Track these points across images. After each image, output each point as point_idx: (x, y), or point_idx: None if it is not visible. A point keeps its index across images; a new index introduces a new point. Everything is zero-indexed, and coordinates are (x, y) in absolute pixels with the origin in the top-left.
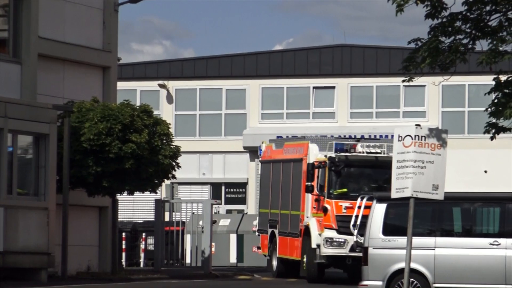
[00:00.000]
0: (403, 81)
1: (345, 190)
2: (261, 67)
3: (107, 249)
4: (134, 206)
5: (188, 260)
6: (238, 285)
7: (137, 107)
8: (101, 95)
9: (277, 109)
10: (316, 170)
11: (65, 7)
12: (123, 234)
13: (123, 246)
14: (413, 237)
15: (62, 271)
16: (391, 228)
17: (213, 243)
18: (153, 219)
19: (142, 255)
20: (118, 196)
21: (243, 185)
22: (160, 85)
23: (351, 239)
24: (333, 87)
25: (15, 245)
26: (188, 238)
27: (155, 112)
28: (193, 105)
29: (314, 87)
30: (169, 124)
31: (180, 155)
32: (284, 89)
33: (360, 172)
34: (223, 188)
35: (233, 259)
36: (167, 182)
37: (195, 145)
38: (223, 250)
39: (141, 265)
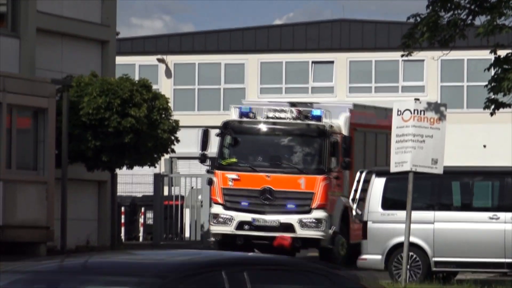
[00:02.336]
0: (402, 55)
1: (234, 160)
2: (260, 41)
3: (106, 224)
4: (133, 181)
5: (187, 234)
6: None
7: (136, 82)
8: (100, 70)
9: (276, 84)
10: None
11: None
12: (122, 208)
13: (122, 221)
14: (412, 211)
15: (61, 245)
16: (390, 202)
17: None
18: (152, 194)
19: (141, 229)
20: (117, 171)
21: None
22: (159, 60)
23: (238, 216)
24: (332, 62)
25: (14, 219)
26: (187, 212)
27: (154, 87)
28: (192, 79)
29: (313, 62)
30: (168, 98)
31: (179, 129)
32: (283, 64)
33: (253, 140)
34: None
35: None
36: (166, 156)
37: (194, 120)
38: None
39: (140, 239)
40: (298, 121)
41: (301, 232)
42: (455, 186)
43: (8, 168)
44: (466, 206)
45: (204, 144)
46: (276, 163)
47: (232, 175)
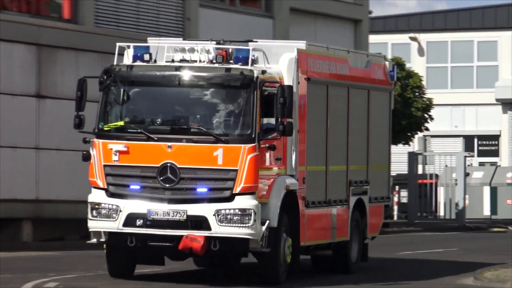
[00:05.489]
0: None
1: (120, 123)
2: None
3: None
4: None
5: (441, 213)
6: (491, 236)
7: (389, 60)
8: (353, 48)
9: None
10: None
11: None
12: None
13: None
14: None
15: None
16: None
17: (466, 196)
18: (407, 172)
19: (395, 207)
20: None
21: (496, 137)
22: (411, 38)
23: (127, 206)
24: None
25: None
26: (441, 190)
27: (407, 65)
28: (445, 57)
29: None
30: (421, 76)
31: (433, 107)
32: None
33: (149, 94)
34: (475, 140)
35: (486, 211)
36: (419, 134)
37: (447, 98)
38: (476, 202)
39: (395, 217)
40: (214, 65)
41: (218, 230)
42: None
43: None
44: None
45: (80, 100)
46: (181, 127)
47: (117, 145)
